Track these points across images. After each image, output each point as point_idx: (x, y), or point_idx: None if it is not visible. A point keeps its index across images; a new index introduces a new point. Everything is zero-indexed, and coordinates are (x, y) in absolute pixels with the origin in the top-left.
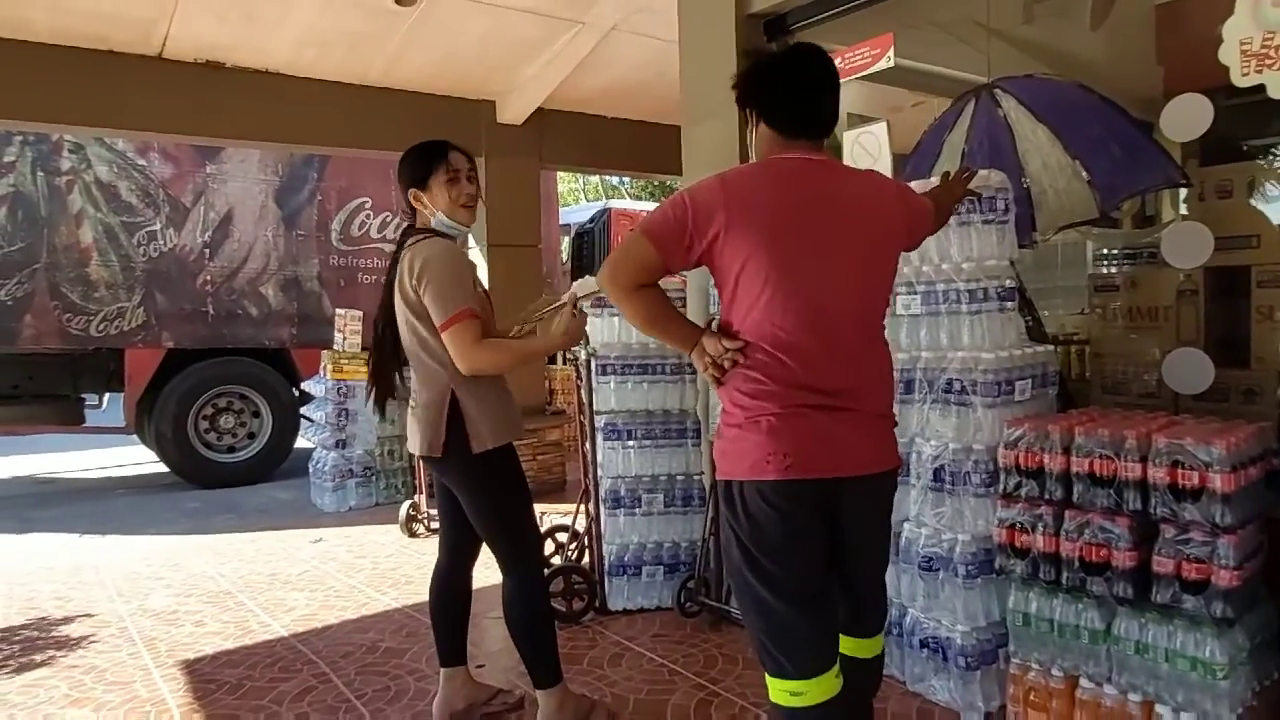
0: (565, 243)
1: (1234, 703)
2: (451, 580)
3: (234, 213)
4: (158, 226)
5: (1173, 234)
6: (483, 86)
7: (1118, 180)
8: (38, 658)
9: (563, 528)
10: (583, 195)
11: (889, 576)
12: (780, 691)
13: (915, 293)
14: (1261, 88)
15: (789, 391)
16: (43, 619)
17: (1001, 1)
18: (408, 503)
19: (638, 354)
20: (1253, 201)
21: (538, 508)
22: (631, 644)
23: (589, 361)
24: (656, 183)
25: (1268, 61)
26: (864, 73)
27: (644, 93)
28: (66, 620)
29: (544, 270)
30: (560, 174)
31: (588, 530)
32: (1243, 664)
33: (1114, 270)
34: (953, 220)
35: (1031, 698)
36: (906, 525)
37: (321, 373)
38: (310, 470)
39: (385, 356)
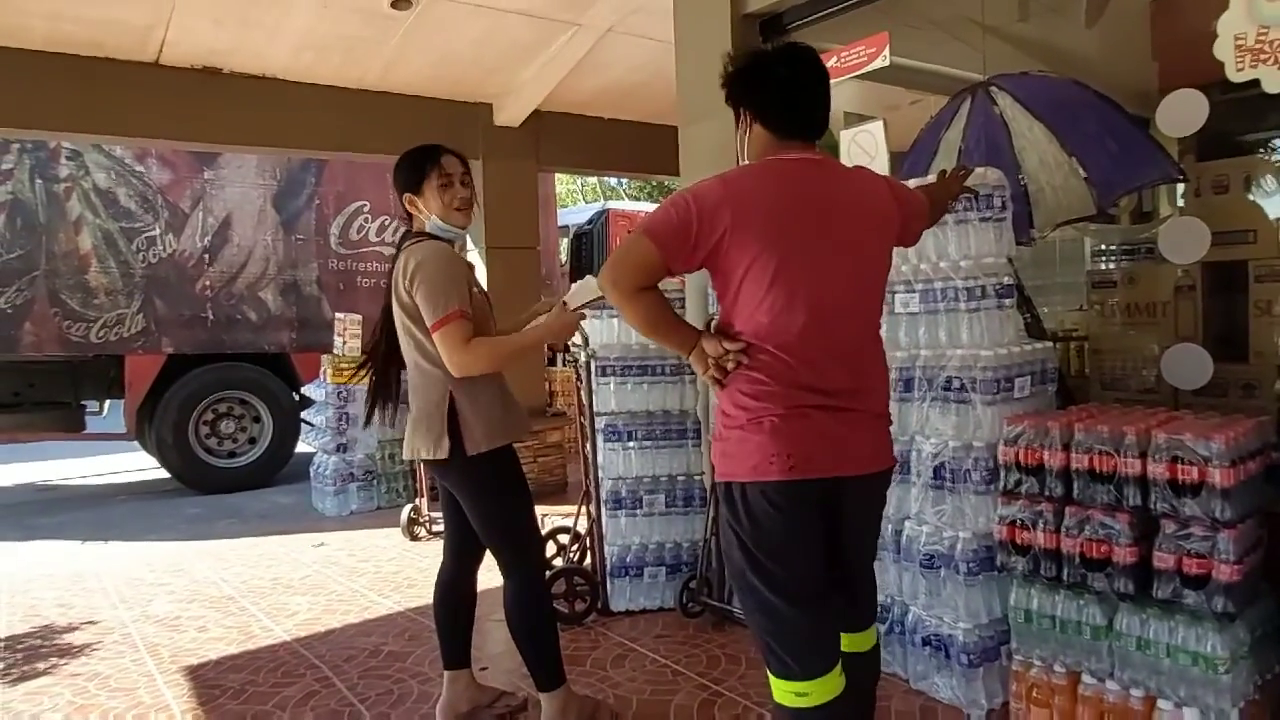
0: (564, 244)
1: (1236, 697)
2: (456, 583)
3: (232, 218)
4: (156, 232)
5: (1170, 230)
6: (479, 89)
7: (1114, 177)
8: (41, 665)
9: (564, 529)
10: (581, 197)
11: (890, 575)
12: (785, 692)
13: (914, 291)
14: (1256, 82)
15: (791, 392)
16: (46, 626)
17: None
18: (409, 506)
19: (637, 355)
20: (1249, 196)
21: (539, 510)
22: (634, 645)
23: (589, 363)
24: (655, 183)
25: (1262, 56)
26: (859, 72)
27: (641, 94)
28: (69, 627)
29: (543, 272)
30: (558, 175)
31: (589, 532)
32: (1244, 658)
33: (1112, 266)
34: (950, 218)
35: (1034, 694)
36: (908, 523)
37: (321, 377)
38: (311, 475)
39: (384, 363)
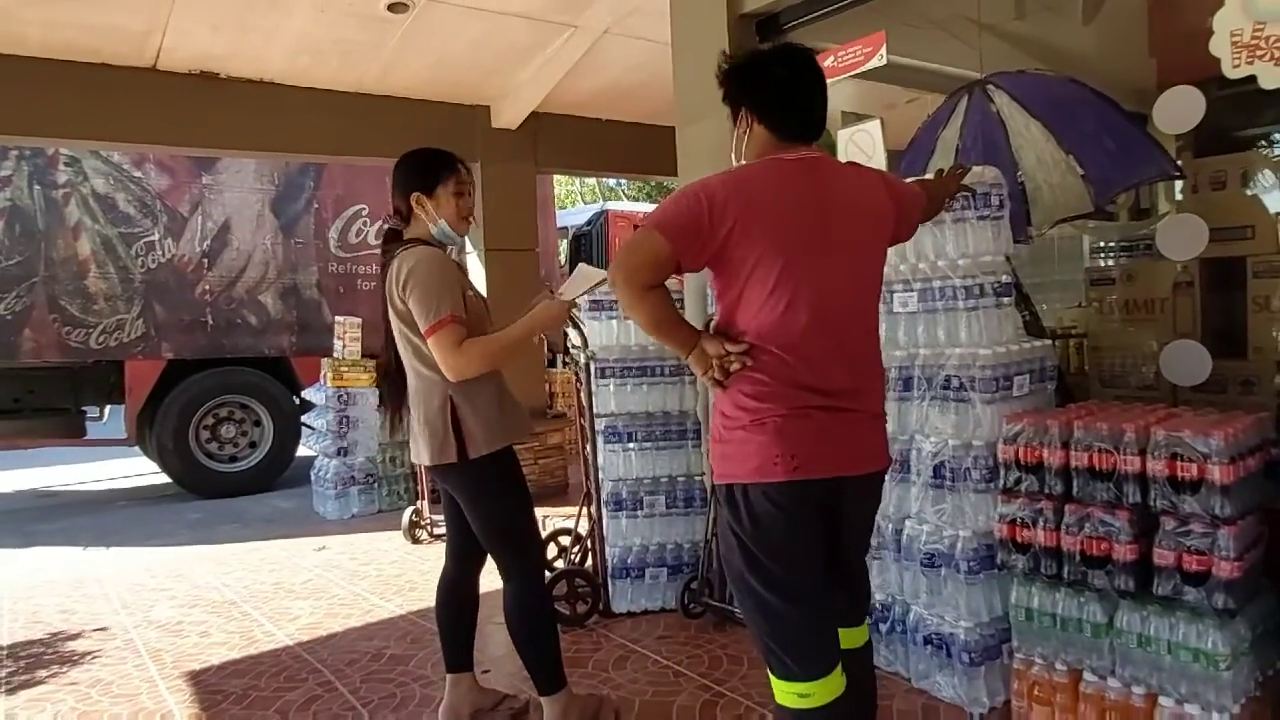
0: (563, 245)
1: (1237, 693)
2: (458, 586)
3: (231, 222)
4: (155, 237)
5: (1168, 226)
6: (477, 92)
7: (1111, 174)
8: (43, 672)
9: (565, 531)
10: (580, 198)
11: (891, 574)
12: (787, 694)
13: (912, 290)
14: (1253, 78)
15: (793, 392)
16: (48, 633)
17: None
18: (410, 509)
19: (637, 356)
20: (1247, 192)
21: (540, 511)
22: (636, 646)
23: (588, 365)
24: (654, 184)
25: (1258, 52)
26: (856, 71)
27: (638, 95)
28: (71, 634)
29: (542, 274)
30: (557, 177)
31: (590, 533)
32: (1245, 654)
33: (1110, 263)
34: (948, 217)
35: (1036, 692)
36: (908, 522)
37: (322, 380)
38: (312, 478)
39: (394, 372)
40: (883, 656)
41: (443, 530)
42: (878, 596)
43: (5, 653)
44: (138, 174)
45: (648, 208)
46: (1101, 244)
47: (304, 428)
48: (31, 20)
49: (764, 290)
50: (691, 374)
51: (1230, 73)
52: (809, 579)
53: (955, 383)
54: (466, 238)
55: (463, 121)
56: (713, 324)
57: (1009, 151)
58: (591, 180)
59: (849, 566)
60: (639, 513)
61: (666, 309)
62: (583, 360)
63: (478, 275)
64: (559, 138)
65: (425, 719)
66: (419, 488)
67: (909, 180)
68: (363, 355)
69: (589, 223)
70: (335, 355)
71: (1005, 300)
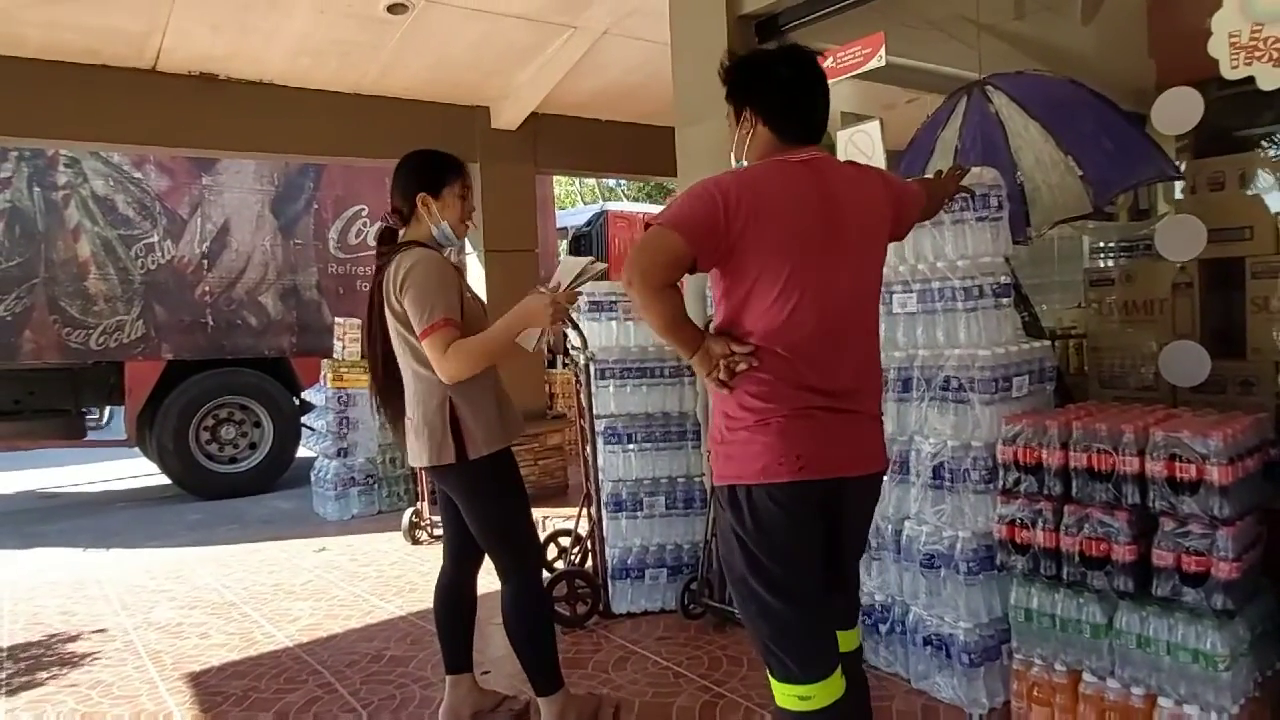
0: (563, 246)
1: (1236, 694)
2: (456, 587)
3: (231, 223)
4: (155, 239)
5: (1166, 227)
6: (476, 92)
7: (1110, 175)
8: (44, 674)
9: (565, 532)
10: (579, 198)
11: (890, 575)
12: (788, 696)
13: (911, 291)
14: (1251, 79)
15: (797, 393)
16: (48, 634)
17: None
18: (410, 510)
19: (636, 357)
20: (1245, 193)
21: (540, 512)
22: (636, 647)
23: (588, 366)
24: (653, 184)
25: (1256, 53)
26: (855, 72)
27: (638, 95)
28: (72, 635)
29: (541, 274)
30: (556, 177)
31: (590, 534)
32: (1244, 655)
33: (1110, 264)
34: (947, 218)
35: (1035, 693)
36: (907, 523)
37: (322, 381)
38: (312, 479)
39: (387, 371)
40: (882, 657)
41: (442, 531)
42: (877, 597)
43: (5, 654)
44: (137, 175)
45: (647, 208)
46: (1100, 245)
47: (304, 429)
48: (31, 21)
49: (771, 291)
50: (691, 375)
51: (1229, 74)
52: (809, 580)
53: (954, 383)
54: (466, 239)
55: (462, 122)
56: (712, 325)
57: (1008, 152)
58: (591, 181)
59: (844, 568)
60: (639, 514)
61: (679, 309)
62: (582, 361)
63: (477, 276)
64: (558, 138)
65: None
66: (419, 489)
67: (909, 180)
68: (362, 356)
69: (588, 223)
70: (335, 356)
71: (1004, 301)
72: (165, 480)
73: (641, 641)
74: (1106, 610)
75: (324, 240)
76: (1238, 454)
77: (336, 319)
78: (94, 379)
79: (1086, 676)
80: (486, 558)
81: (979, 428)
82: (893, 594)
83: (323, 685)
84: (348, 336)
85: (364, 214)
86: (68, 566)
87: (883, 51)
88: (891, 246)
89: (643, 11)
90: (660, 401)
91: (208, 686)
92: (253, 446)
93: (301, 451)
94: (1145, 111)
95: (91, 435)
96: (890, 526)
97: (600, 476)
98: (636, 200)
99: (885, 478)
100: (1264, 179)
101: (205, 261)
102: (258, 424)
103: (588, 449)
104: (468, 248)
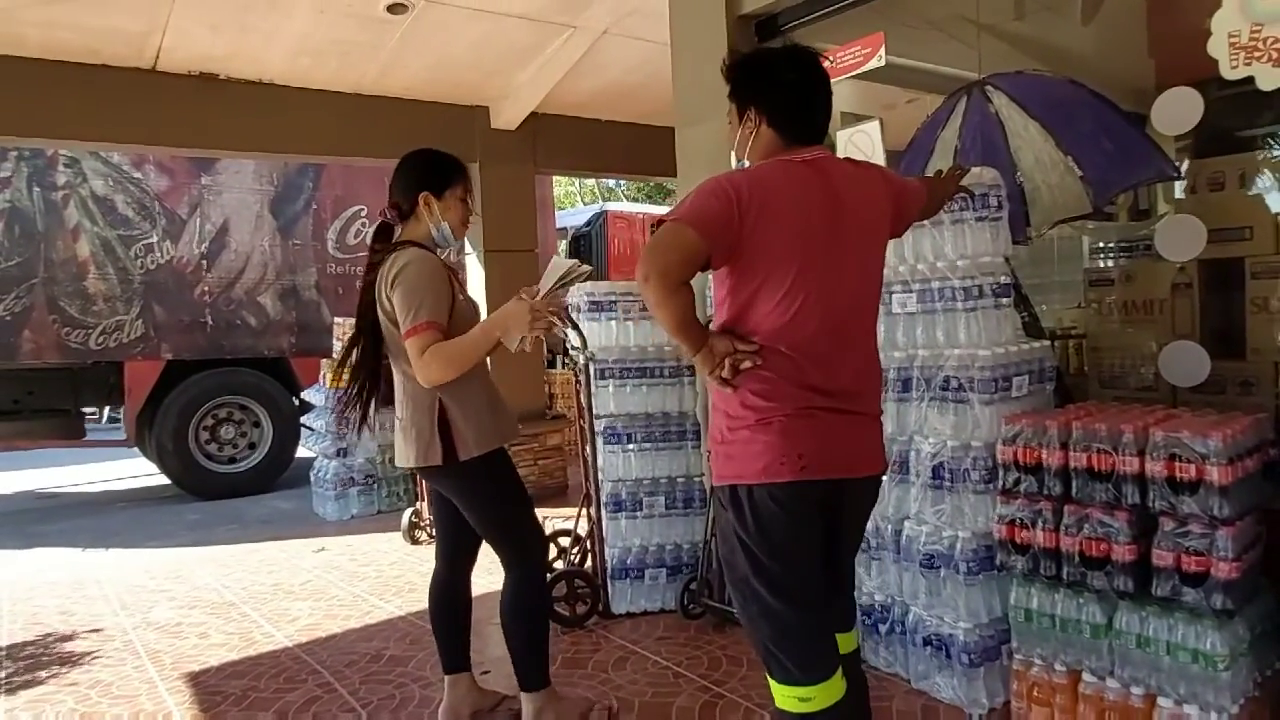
0: (562, 246)
1: (1236, 694)
2: (450, 587)
3: (230, 223)
4: (155, 239)
5: (1166, 227)
6: (476, 92)
7: (1110, 175)
8: (43, 673)
9: (565, 532)
10: (579, 198)
11: (890, 575)
12: (788, 698)
13: (911, 291)
14: (1251, 79)
15: (799, 392)
16: (47, 634)
17: None
18: (410, 510)
19: (636, 358)
20: (1245, 193)
21: (540, 513)
22: (636, 647)
23: (588, 366)
24: (653, 184)
25: (1256, 53)
26: (855, 72)
27: (637, 95)
28: (71, 635)
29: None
30: (556, 177)
31: (590, 534)
32: (1244, 655)
33: (1109, 264)
34: (946, 218)
35: (1035, 693)
36: (907, 523)
37: (321, 381)
38: (312, 479)
39: (370, 370)
40: (882, 658)
41: (434, 531)
42: (877, 597)
43: (5, 654)
44: (137, 175)
45: (647, 209)
46: (1100, 245)
47: (303, 429)
48: (31, 21)
49: (778, 291)
50: (691, 375)
51: (1228, 74)
52: (812, 581)
53: (954, 383)
54: (465, 239)
55: (462, 122)
56: (713, 324)
57: (1007, 152)
58: (591, 181)
59: (842, 568)
60: (638, 514)
61: (692, 308)
62: (582, 361)
63: (476, 276)
64: (558, 138)
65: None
66: (418, 489)
67: (912, 177)
68: (346, 353)
69: (588, 223)
70: (335, 356)
71: (1004, 301)
72: (164, 480)
73: (641, 642)
74: (1106, 610)
75: (323, 240)
76: (1237, 454)
77: (336, 319)
78: (93, 379)
79: (1086, 676)
80: (480, 557)
81: (979, 428)
82: (892, 594)
83: (322, 685)
84: (347, 336)
85: (363, 214)
86: (67, 566)
87: (882, 51)
88: (891, 246)
89: (643, 11)
90: (660, 401)
91: (207, 686)
92: (252, 446)
93: (301, 451)
94: (1145, 111)
95: (91, 435)
96: (890, 526)
97: (600, 476)
98: (636, 200)
99: (885, 478)
100: (1264, 179)
101: (204, 261)
102: (257, 424)
103: (587, 449)
104: (467, 248)
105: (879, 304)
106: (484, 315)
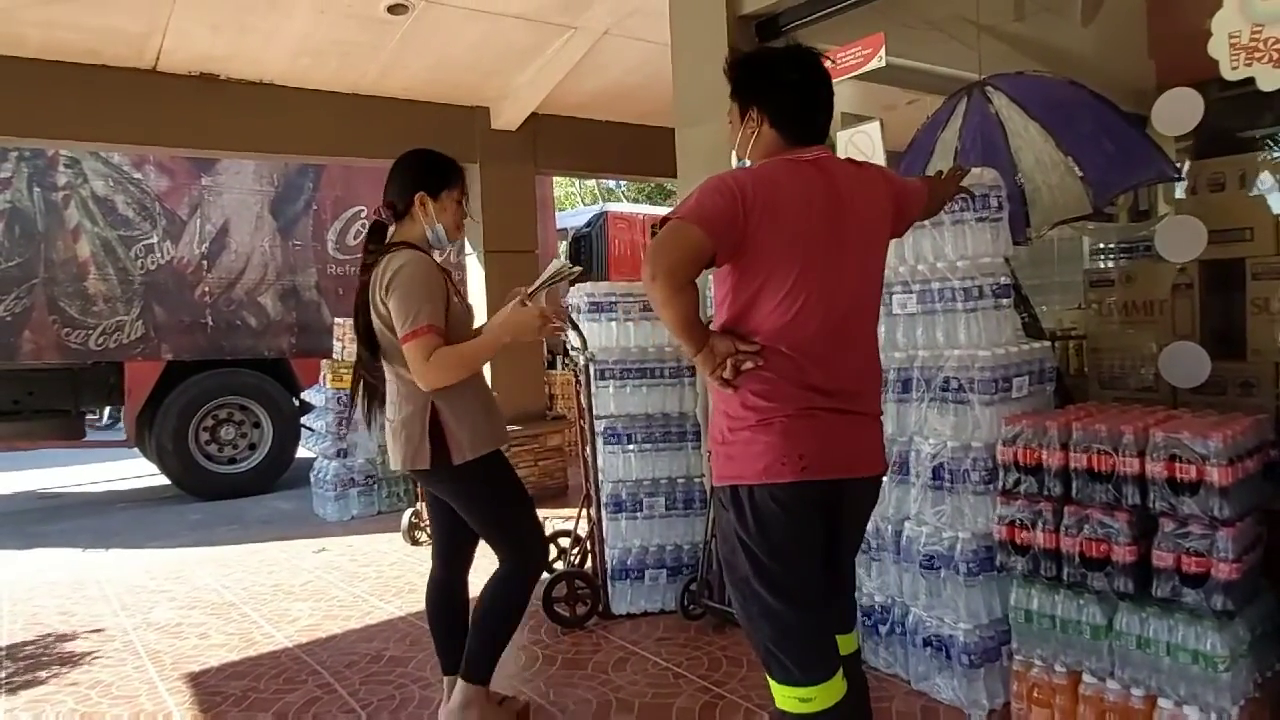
0: (562, 247)
1: (1236, 695)
2: (447, 588)
3: (230, 224)
4: (155, 239)
5: (1166, 228)
6: (476, 93)
7: (1110, 176)
8: (43, 674)
9: (565, 533)
10: (579, 199)
11: (890, 576)
12: (789, 698)
13: (911, 291)
14: (1251, 80)
15: (800, 393)
16: (47, 634)
17: None
18: (410, 511)
19: (636, 358)
20: (1246, 194)
21: (540, 514)
22: (636, 648)
23: (588, 366)
24: (653, 185)
25: (1256, 54)
26: (855, 73)
27: (637, 96)
28: (71, 635)
29: None
30: (556, 178)
31: (590, 535)
32: (1244, 656)
33: (1110, 265)
34: (947, 219)
35: (1035, 694)
36: (907, 524)
37: (321, 382)
38: (312, 480)
39: (369, 370)
40: (882, 659)
41: (430, 533)
42: (877, 598)
43: (5, 654)
44: (137, 176)
45: (647, 209)
46: (1100, 246)
47: (303, 429)
48: (31, 21)
49: (780, 290)
50: (691, 375)
51: (1229, 74)
52: (810, 581)
53: (954, 384)
54: (465, 240)
55: (462, 123)
56: (713, 325)
57: (1008, 153)
58: (591, 182)
59: (842, 571)
60: (639, 514)
61: (695, 307)
62: (582, 362)
63: (476, 277)
64: (558, 139)
65: None
66: (418, 490)
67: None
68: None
69: (588, 224)
70: (335, 357)
71: (1004, 302)
72: (165, 481)
73: (641, 642)
74: (1106, 611)
75: (323, 241)
76: (1237, 455)
77: (336, 319)
78: (93, 379)
79: (1086, 677)
80: (478, 558)
81: (979, 428)
82: (892, 595)
83: (322, 686)
84: (347, 337)
85: (363, 215)
86: (67, 567)
87: (883, 52)
88: (892, 246)
89: (643, 12)
90: (660, 402)
91: (207, 687)
92: (252, 447)
93: (301, 452)
94: (1145, 112)
95: (91, 436)
96: (890, 527)
97: (600, 477)
98: (636, 201)
99: (885, 478)
100: (1264, 180)
101: (205, 262)
102: (257, 424)
103: (587, 450)
104: (467, 248)
105: (880, 304)
106: (480, 317)
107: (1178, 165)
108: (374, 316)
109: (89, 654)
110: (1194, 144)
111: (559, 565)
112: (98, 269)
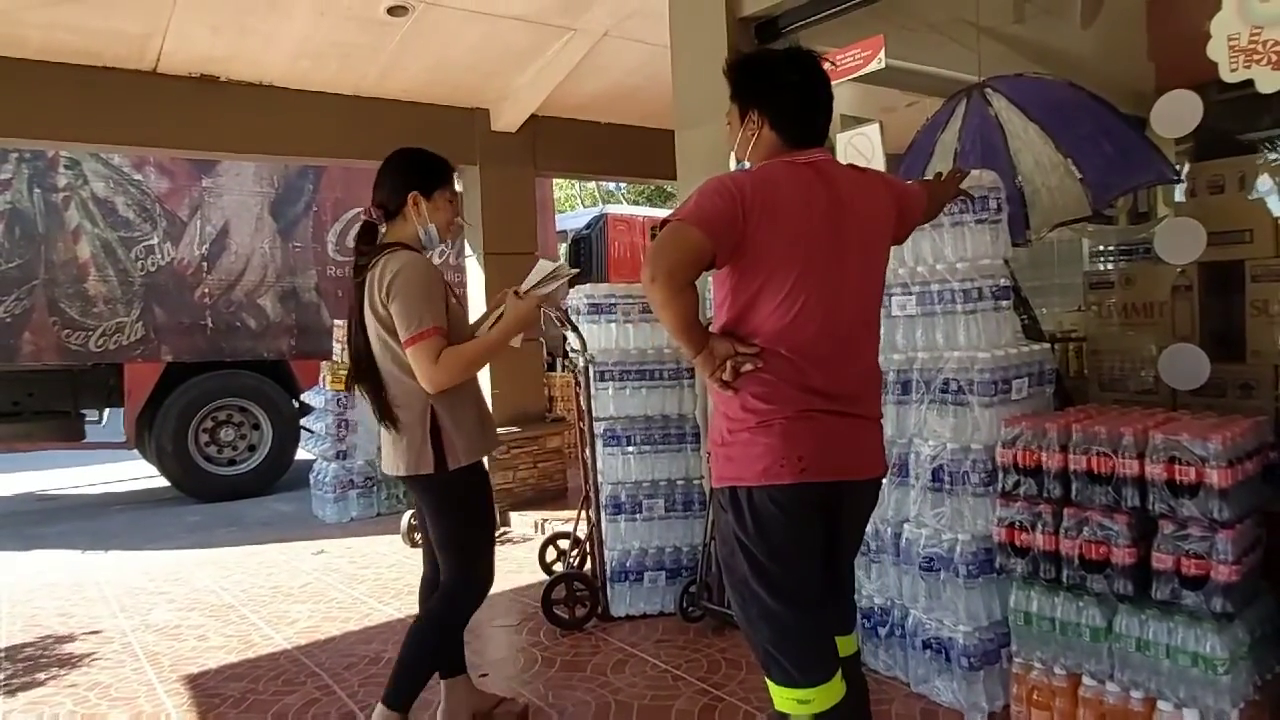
0: (562, 249)
1: (1235, 697)
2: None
3: (230, 225)
4: (155, 241)
5: (1166, 230)
6: (476, 95)
7: (1109, 178)
8: (41, 675)
9: (564, 534)
10: (579, 201)
11: (889, 578)
12: (788, 700)
13: (910, 293)
14: (1251, 82)
15: (800, 395)
16: (46, 636)
17: (991, 0)
18: (409, 512)
19: (635, 360)
20: (1245, 196)
21: (539, 515)
22: (635, 650)
23: (587, 368)
24: (653, 187)
25: (1255, 56)
26: (855, 75)
27: (637, 97)
28: (70, 637)
29: None
30: (556, 180)
31: (589, 537)
32: (1243, 658)
33: (1109, 267)
34: (946, 220)
35: (1035, 697)
36: (907, 526)
37: (321, 384)
38: (311, 482)
39: (369, 374)
40: (881, 661)
41: (421, 537)
42: (877, 600)
43: (4, 655)
44: (137, 177)
45: (647, 211)
46: (1100, 248)
47: (303, 431)
48: (31, 23)
49: (779, 292)
50: (690, 377)
51: (1228, 77)
52: (809, 583)
53: (954, 386)
54: (465, 240)
55: (462, 124)
56: (713, 327)
57: (1007, 155)
58: (591, 184)
59: (841, 573)
60: (638, 516)
61: (695, 309)
62: (581, 364)
63: (476, 278)
64: (558, 141)
65: None
66: None
67: (910, 181)
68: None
69: (588, 226)
70: (334, 358)
71: (1004, 303)
72: (164, 482)
73: (640, 644)
74: (1106, 613)
75: (323, 243)
76: (1237, 457)
77: (336, 321)
78: (93, 381)
79: (1086, 680)
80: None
81: (978, 430)
82: (892, 597)
83: (321, 687)
84: (347, 339)
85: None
86: (66, 568)
87: (882, 54)
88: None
89: (643, 14)
90: (659, 404)
91: (206, 688)
92: (252, 449)
93: (300, 454)
94: (1145, 114)
95: (90, 437)
96: (889, 529)
97: (599, 479)
98: (636, 203)
99: (884, 480)
100: (1264, 182)
101: (205, 264)
102: (257, 426)
103: (587, 451)
104: (467, 250)
105: (880, 308)
106: (474, 318)
107: (1177, 167)
108: (372, 320)
109: (88, 656)
110: (1193, 146)
111: (558, 567)
112: (98, 270)
